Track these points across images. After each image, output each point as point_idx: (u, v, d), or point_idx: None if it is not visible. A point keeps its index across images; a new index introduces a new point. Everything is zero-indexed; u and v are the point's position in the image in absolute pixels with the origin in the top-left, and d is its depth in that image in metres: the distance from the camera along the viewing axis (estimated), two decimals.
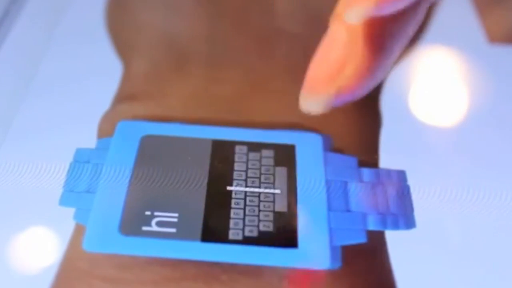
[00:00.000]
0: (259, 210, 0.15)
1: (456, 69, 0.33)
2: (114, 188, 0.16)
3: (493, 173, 0.29)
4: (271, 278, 0.15)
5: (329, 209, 0.15)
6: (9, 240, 0.30)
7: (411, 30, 0.14)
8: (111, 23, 0.23)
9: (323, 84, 0.14)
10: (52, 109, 0.32)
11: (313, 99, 0.14)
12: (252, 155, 0.17)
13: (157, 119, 0.18)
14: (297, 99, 0.18)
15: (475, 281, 0.29)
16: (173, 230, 0.15)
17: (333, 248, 0.15)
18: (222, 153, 0.17)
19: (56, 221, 0.18)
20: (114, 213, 0.15)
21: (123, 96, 0.19)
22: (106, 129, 0.18)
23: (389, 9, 0.13)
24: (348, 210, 0.16)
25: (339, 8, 0.13)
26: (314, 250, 0.14)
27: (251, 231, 0.15)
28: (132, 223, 0.15)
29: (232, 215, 0.15)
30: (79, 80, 0.33)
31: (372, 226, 0.15)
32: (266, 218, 0.15)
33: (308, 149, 0.17)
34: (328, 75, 0.14)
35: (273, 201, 0.15)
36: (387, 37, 0.13)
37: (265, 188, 0.16)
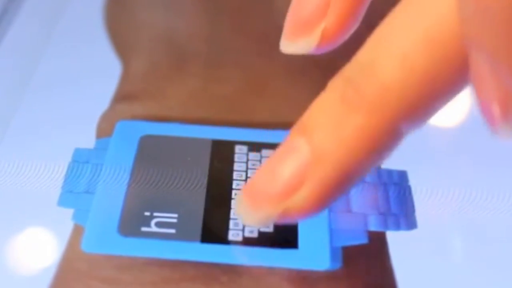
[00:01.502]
0: None
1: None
2: (113, 189, 0.16)
3: (496, 174, 0.29)
4: (272, 279, 0.15)
5: (330, 209, 0.15)
6: (7, 240, 0.30)
7: (381, 160, 0.12)
8: (110, 22, 0.23)
9: (268, 200, 0.12)
10: (51, 109, 0.32)
11: (252, 213, 0.12)
12: (252, 155, 0.17)
13: (156, 119, 0.18)
14: (297, 98, 0.19)
15: (477, 282, 0.29)
16: (172, 231, 0.15)
17: (333, 249, 0.15)
18: (222, 153, 0.17)
19: (55, 221, 0.18)
20: (113, 213, 0.15)
21: (122, 96, 0.19)
22: (105, 129, 0.18)
23: (295, 220, 0.12)
24: (349, 211, 0.16)
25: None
26: (314, 251, 0.14)
27: (251, 231, 0.15)
28: (131, 223, 0.15)
29: (232, 215, 0.15)
30: (78, 80, 0.33)
31: (373, 227, 0.15)
32: None
33: None
34: (276, 192, 0.12)
35: None
36: (357, 168, 0.12)
37: None
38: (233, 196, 0.16)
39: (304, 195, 0.12)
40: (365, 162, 0.12)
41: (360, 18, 0.13)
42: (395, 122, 0.11)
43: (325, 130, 0.12)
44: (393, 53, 0.11)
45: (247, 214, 0.13)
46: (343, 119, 0.11)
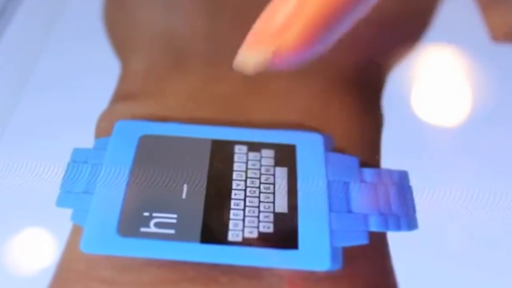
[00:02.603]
0: (259, 211, 0.15)
1: (459, 68, 0.33)
2: (112, 189, 0.16)
3: (497, 174, 0.29)
4: (272, 279, 0.15)
5: (330, 210, 0.15)
6: (5, 241, 0.30)
7: (364, 10, 0.14)
8: (109, 21, 0.23)
9: (263, 41, 0.14)
10: (49, 108, 0.32)
11: (250, 55, 0.14)
12: (252, 155, 0.17)
13: (156, 119, 0.18)
14: (297, 98, 0.19)
15: (478, 283, 0.29)
16: (171, 231, 0.15)
17: (333, 250, 0.15)
18: (221, 153, 0.17)
19: (53, 222, 0.18)
20: (112, 214, 0.15)
21: (121, 95, 0.19)
22: (104, 128, 0.18)
23: (286, 63, 0.13)
24: (350, 211, 0.16)
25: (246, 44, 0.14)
26: (314, 252, 0.14)
27: (251, 232, 0.15)
28: (130, 224, 0.15)
29: (231, 216, 0.15)
30: (76, 79, 0.33)
31: (373, 227, 0.15)
32: (266, 219, 0.15)
33: (309, 149, 0.17)
34: (270, 33, 0.13)
35: (273, 202, 0.15)
36: (338, 9, 0.13)
37: (265, 188, 0.16)
38: (233, 196, 0.16)
39: (291, 34, 0.13)
40: (347, 3, 0.13)
41: (325, 46, 0.14)
42: None
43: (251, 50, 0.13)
44: None
45: (246, 57, 0.14)
46: None
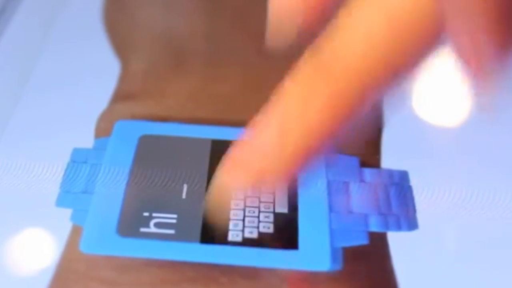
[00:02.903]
0: (259, 211, 0.15)
1: (459, 68, 0.33)
2: (111, 189, 0.16)
3: (497, 174, 0.29)
4: (272, 280, 0.15)
5: (330, 210, 0.15)
6: (5, 241, 0.30)
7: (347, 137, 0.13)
8: (109, 21, 0.23)
9: (244, 168, 0.13)
10: (49, 108, 0.32)
11: (229, 180, 0.14)
12: None
13: (156, 119, 0.18)
14: None
15: (478, 282, 0.29)
16: (171, 231, 0.15)
17: (334, 250, 0.15)
18: (221, 153, 0.17)
19: (53, 222, 0.18)
20: (112, 214, 0.15)
21: (121, 95, 0.19)
22: (103, 128, 0.18)
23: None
24: (350, 211, 0.16)
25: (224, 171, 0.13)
26: (314, 252, 0.14)
27: (251, 232, 0.15)
28: (130, 224, 0.15)
29: (231, 216, 0.15)
30: (76, 79, 0.33)
31: (373, 227, 0.15)
32: (266, 219, 0.15)
33: None
34: (249, 164, 0.13)
35: (273, 202, 0.15)
36: (318, 147, 0.13)
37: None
38: (233, 196, 0.16)
39: (277, 165, 0.13)
40: (327, 142, 0.13)
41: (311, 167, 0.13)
42: (362, 89, 0.12)
43: (295, 106, 0.13)
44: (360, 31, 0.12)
45: (229, 182, 0.14)
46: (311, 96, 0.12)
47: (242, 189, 0.14)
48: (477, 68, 0.12)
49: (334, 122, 0.12)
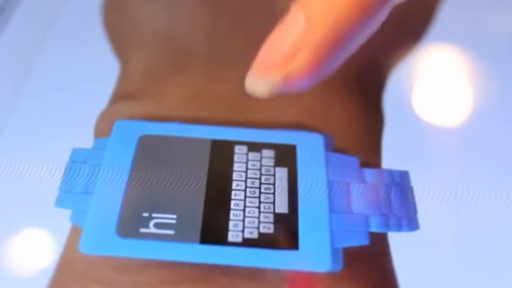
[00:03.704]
0: (259, 212, 0.15)
1: (459, 68, 0.33)
2: (111, 189, 0.16)
3: (499, 174, 0.29)
4: (272, 280, 0.15)
5: (331, 210, 0.15)
6: (4, 242, 0.30)
7: (371, 30, 0.14)
8: (108, 20, 0.23)
9: (272, 68, 0.14)
10: (49, 109, 0.32)
11: (260, 81, 0.14)
12: (252, 155, 0.17)
13: (155, 119, 0.18)
14: (298, 98, 0.18)
15: (479, 283, 0.29)
16: (171, 232, 0.15)
17: (334, 250, 0.15)
18: (221, 153, 0.17)
19: (52, 222, 0.18)
20: (111, 214, 0.15)
21: (120, 95, 0.19)
22: (103, 129, 0.18)
23: (297, 87, 0.14)
24: (350, 212, 0.16)
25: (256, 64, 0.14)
26: (315, 252, 0.14)
27: (251, 233, 0.15)
28: (130, 225, 0.15)
29: (231, 216, 0.15)
30: (76, 79, 0.33)
31: (374, 228, 0.15)
32: (267, 220, 0.15)
33: (309, 149, 0.17)
34: (279, 59, 0.14)
35: (274, 203, 0.15)
36: (346, 34, 0.13)
37: (266, 189, 0.16)
38: (233, 196, 0.16)
39: (300, 60, 0.13)
40: (355, 25, 0.13)
41: (328, 67, 0.14)
42: None
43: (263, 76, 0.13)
44: None
45: (256, 82, 0.14)
46: None
47: (272, 88, 0.14)
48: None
49: (360, 12, 0.13)
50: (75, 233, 0.17)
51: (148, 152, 0.16)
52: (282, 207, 0.15)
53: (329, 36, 0.13)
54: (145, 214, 0.15)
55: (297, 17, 0.13)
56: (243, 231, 0.15)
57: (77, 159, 0.17)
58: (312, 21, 0.13)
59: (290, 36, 0.13)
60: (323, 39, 0.13)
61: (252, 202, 0.15)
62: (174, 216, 0.15)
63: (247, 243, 0.15)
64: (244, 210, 0.15)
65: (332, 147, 0.17)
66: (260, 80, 0.14)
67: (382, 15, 0.14)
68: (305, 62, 0.13)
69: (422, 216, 0.16)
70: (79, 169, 0.16)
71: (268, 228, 0.15)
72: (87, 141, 0.18)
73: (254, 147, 0.17)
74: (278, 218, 0.15)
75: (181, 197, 0.15)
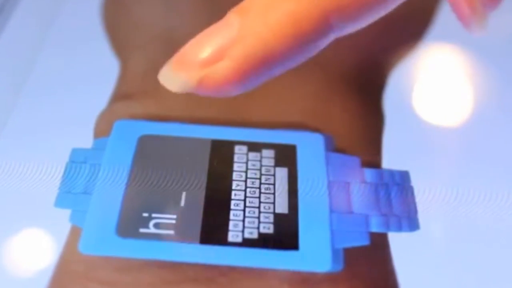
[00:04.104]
0: (259, 212, 0.15)
1: (460, 68, 0.33)
2: (111, 189, 0.15)
3: (499, 174, 0.29)
4: (272, 280, 0.15)
5: (331, 210, 0.15)
6: (3, 242, 0.30)
7: (306, 57, 0.13)
8: (108, 21, 0.23)
9: (190, 66, 0.13)
10: (48, 109, 0.32)
11: (173, 77, 0.13)
12: (252, 155, 0.17)
13: (155, 119, 0.18)
14: (298, 98, 0.18)
15: (480, 283, 0.29)
16: (171, 232, 0.15)
17: (334, 250, 0.15)
18: (221, 153, 0.17)
19: (52, 223, 0.18)
20: (111, 214, 0.15)
21: (120, 95, 0.19)
22: (102, 128, 0.18)
23: (213, 93, 0.13)
24: (351, 212, 0.16)
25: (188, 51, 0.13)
26: (315, 252, 0.14)
27: (251, 233, 0.15)
28: (129, 225, 0.15)
29: (231, 216, 0.15)
30: (75, 79, 0.33)
31: (374, 228, 0.15)
32: (267, 220, 0.15)
33: (310, 149, 0.17)
34: (199, 60, 0.13)
35: (274, 203, 0.15)
36: (276, 55, 0.13)
37: (266, 189, 0.16)
38: (233, 196, 0.16)
39: (222, 66, 0.13)
40: (288, 48, 0.13)
41: (257, 83, 0.13)
42: (324, 12, 0.12)
43: (257, 11, 0.13)
44: None
45: (168, 77, 0.14)
46: (275, 4, 0.12)
47: (184, 87, 0.13)
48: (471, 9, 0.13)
49: (295, 38, 0.12)
50: (74, 234, 0.17)
51: (148, 152, 0.16)
52: (282, 207, 0.15)
53: (258, 52, 0.12)
54: (145, 214, 0.15)
55: (232, 23, 0.13)
56: (243, 231, 0.15)
57: (77, 159, 0.17)
58: (245, 32, 0.13)
59: (219, 40, 0.13)
60: (251, 53, 0.13)
61: (252, 202, 0.15)
62: (174, 216, 0.15)
63: (247, 243, 0.15)
64: (244, 210, 0.15)
65: (333, 147, 0.17)
66: (173, 76, 0.13)
67: (321, 45, 0.13)
68: (227, 70, 0.13)
69: (422, 216, 0.16)
70: (79, 169, 0.16)
71: (268, 228, 0.15)
72: (86, 141, 0.18)
73: (254, 147, 0.17)
74: (278, 218, 0.15)
75: (181, 197, 0.15)
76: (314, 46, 0.13)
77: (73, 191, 0.16)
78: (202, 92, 0.13)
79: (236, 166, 0.16)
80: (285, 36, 0.12)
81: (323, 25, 0.12)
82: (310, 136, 0.17)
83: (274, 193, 0.16)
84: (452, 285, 0.29)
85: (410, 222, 0.16)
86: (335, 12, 0.12)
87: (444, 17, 0.23)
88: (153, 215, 0.15)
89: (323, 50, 0.13)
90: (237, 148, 0.17)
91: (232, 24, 0.13)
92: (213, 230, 0.15)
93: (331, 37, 0.13)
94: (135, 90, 0.19)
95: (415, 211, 0.16)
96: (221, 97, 0.18)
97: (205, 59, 0.13)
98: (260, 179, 0.16)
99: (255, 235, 0.15)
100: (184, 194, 0.15)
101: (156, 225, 0.15)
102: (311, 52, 0.13)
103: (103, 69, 0.23)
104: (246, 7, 0.13)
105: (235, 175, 0.16)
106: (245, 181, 0.16)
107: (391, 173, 0.17)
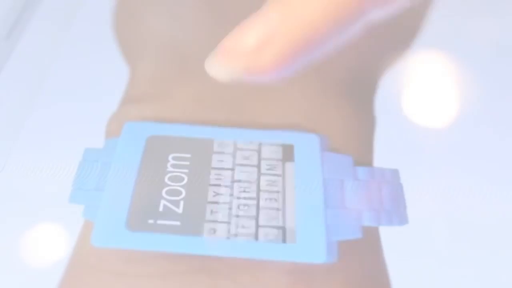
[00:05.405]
0: (260, 207, 0.15)
1: (447, 72, 0.33)
2: (121, 186, 0.16)
3: (484, 173, 0.29)
4: (271, 271, 0.15)
5: (326, 206, 0.15)
6: (22, 235, 0.30)
7: (341, 41, 0.13)
8: (119, 29, 0.23)
9: (236, 57, 0.13)
10: (63, 111, 0.32)
11: (221, 68, 0.13)
12: (253, 153, 0.17)
13: (163, 120, 0.18)
14: (296, 101, 0.19)
15: (466, 277, 0.29)
16: (177, 225, 0.15)
17: (329, 243, 0.15)
18: (224, 152, 0.17)
19: (66, 217, 0.19)
20: (121, 209, 0.15)
21: (130, 98, 0.19)
22: (113, 130, 0.18)
23: (259, 80, 0.13)
24: (344, 207, 0.16)
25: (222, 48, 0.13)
26: (311, 245, 0.14)
27: (253, 227, 0.15)
28: (138, 219, 0.15)
29: (234, 211, 0.15)
30: (88, 84, 0.33)
31: (367, 222, 0.15)
32: (266, 215, 0.15)
33: (306, 148, 0.17)
34: (244, 50, 0.13)
35: (274, 198, 0.16)
36: (316, 39, 0.13)
37: (266, 185, 0.16)
38: (235, 192, 0.16)
39: (267, 53, 0.12)
40: (325, 35, 0.12)
41: (303, 66, 0.13)
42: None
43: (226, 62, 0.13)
44: None
45: (217, 68, 0.13)
46: None
47: (232, 76, 0.13)
48: None
49: (334, 22, 0.12)
50: (87, 228, 0.17)
51: (156, 151, 0.16)
52: (280, 203, 0.15)
53: (300, 37, 0.12)
54: (153, 209, 0.15)
55: (271, 11, 0.13)
56: (242, 225, 0.15)
57: (90, 158, 0.17)
58: (286, 19, 0.12)
59: (260, 29, 0.13)
60: (293, 39, 0.12)
61: (254, 198, 0.15)
62: (180, 211, 0.15)
63: (246, 236, 0.15)
64: (245, 205, 0.15)
65: (327, 147, 0.17)
66: (221, 67, 0.13)
67: (355, 30, 0.13)
68: (271, 58, 0.13)
69: (411, 211, 0.16)
70: (91, 167, 0.16)
71: (268, 222, 0.15)
72: (98, 141, 0.18)
73: (255, 145, 0.17)
74: (277, 213, 0.15)
75: (187, 193, 0.15)
76: (350, 31, 0.13)
77: (86, 187, 0.16)
78: (252, 79, 0.13)
79: (238, 163, 0.16)
80: (324, 21, 0.12)
81: (357, 9, 0.12)
82: (306, 137, 0.17)
83: (273, 190, 0.16)
84: (438, 275, 0.29)
85: (400, 216, 0.16)
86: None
87: (432, 25, 0.23)
88: (160, 209, 0.15)
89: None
90: (239, 147, 0.17)
91: (272, 13, 0.13)
92: (216, 224, 0.15)
93: (365, 20, 0.13)
94: (144, 94, 0.19)
95: (404, 207, 0.16)
96: (227, 99, 0.18)
97: (250, 48, 0.13)
98: (260, 175, 0.16)
99: (254, 229, 0.15)
100: (189, 190, 0.16)
101: (164, 219, 0.15)
102: (347, 37, 0.13)
103: (114, 75, 0.23)
104: None
105: (237, 171, 0.16)
106: (247, 177, 0.16)
107: (382, 171, 0.17)
